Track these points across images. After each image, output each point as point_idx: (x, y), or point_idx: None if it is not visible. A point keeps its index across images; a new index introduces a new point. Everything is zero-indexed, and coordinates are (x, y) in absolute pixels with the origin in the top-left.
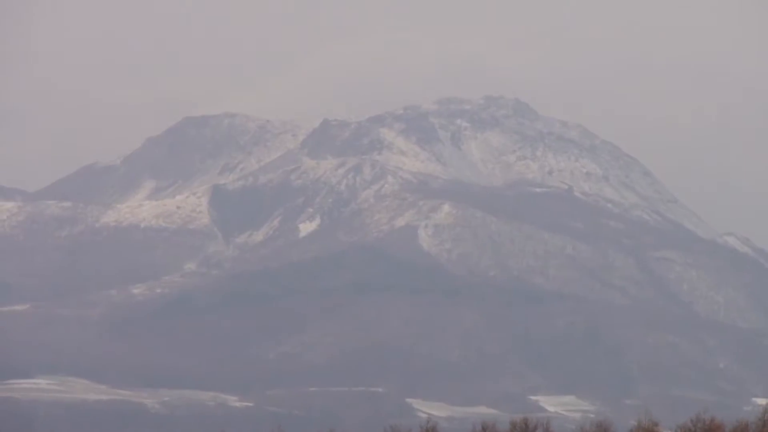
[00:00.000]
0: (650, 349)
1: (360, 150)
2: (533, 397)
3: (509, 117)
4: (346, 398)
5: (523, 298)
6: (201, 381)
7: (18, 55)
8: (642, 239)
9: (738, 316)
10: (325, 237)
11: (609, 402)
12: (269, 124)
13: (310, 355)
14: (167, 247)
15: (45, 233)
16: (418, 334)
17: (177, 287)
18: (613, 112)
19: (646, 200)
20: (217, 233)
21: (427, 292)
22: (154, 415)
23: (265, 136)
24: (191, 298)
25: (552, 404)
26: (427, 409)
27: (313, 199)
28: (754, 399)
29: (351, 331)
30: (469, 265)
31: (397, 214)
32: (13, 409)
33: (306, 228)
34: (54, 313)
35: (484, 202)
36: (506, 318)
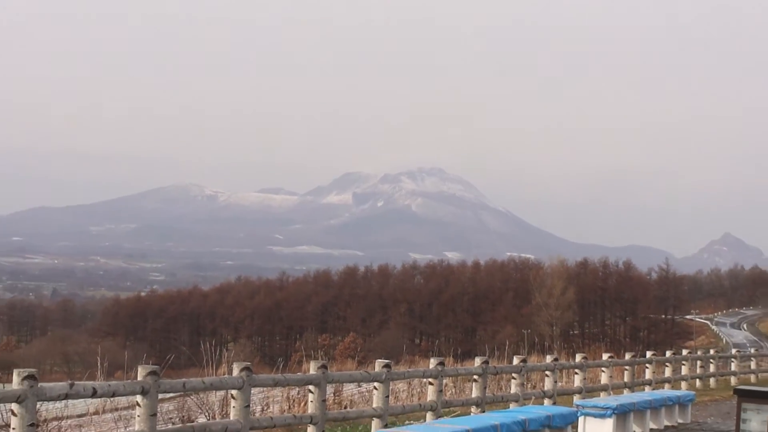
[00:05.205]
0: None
1: (393, 182)
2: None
3: (433, 174)
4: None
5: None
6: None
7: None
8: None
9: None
10: (384, 208)
11: None
12: (364, 173)
13: (379, 239)
14: (339, 211)
15: (310, 208)
16: (410, 235)
17: (345, 220)
18: (473, 177)
19: (473, 204)
20: (353, 207)
21: (415, 225)
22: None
23: (363, 177)
24: (345, 224)
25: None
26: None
27: (381, 197)
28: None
29: (390, 235)
30: (427, 215)
31: (405, 200)
32: (275, 261)
33: (378, 203)
34: (310, 229)
35: (432, 198)
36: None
